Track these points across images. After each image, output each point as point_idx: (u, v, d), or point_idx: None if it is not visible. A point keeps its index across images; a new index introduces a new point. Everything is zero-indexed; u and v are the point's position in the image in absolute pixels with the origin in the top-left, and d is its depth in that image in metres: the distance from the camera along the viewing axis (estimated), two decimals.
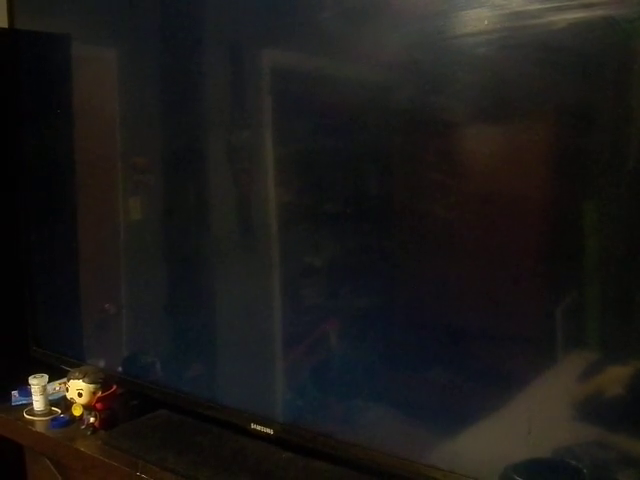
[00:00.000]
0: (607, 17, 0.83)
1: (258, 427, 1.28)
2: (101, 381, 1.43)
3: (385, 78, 1.09)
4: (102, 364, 1.58)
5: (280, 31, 1.20)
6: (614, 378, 0.90)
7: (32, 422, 1.53)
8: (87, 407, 1.44)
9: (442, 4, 0.98)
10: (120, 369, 1.55)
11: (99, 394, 1.42)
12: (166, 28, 1.40)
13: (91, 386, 1.42)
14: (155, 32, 1.42)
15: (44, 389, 1.56)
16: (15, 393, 1.63)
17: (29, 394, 1.57)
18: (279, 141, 1.24)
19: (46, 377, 1.56)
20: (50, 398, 1.57)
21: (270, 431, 1.26)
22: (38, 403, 1.55)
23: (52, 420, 1.52)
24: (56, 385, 1.64)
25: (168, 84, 1.42)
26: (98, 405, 1.43)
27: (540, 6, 0.87)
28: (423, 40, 1.02)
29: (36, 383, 1.55)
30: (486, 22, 0.92)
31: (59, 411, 1.55)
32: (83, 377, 1.42)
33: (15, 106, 1.68)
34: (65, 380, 1.48)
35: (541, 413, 0.96)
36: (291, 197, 1.25)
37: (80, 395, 1.42)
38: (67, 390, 1.45)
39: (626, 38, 0.83)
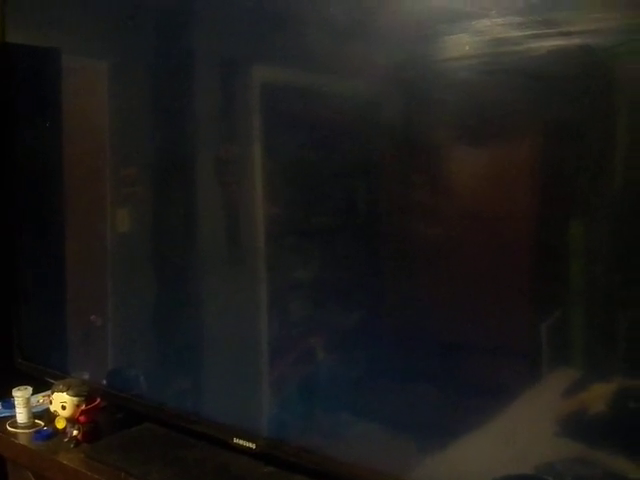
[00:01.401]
0: (584, 45, 0.85)
1: (241, 441, 1.28)
2: (85, 394, 1.43)
3: (372, 96, 1.10)
4: (86, 377, 1.57)
5: (270, 47, 1.22)
6: (598, 395, 0.91)
7: (15, 434, 1.53)
8: (70, 420, 1.43)
9: (426, 28, 1.00)
10: (104, 382, 1.55)
11: (83, 407, 1.42)
12: (156, 42, 1.41)
13: (75, 399, 1.41)
14: (145, 46, 1.44)
15: (28, 401, 1.55)
16: None
17: (12, 406, 1.57)
18: (268, 155, 1.25)
19: (30, 389, 1.56)
20: (34, 410, 1.57)
21: (253, 446, 1.26)
22: (21, 415, 1.55)
23: (35, 433, 1.51)
24: (40, 398, 1.63)
25: (158, 98, 1.43)
26: (82, 418, 1.42)
27: (520, 33, 0.90)
28: (409, 61, 1.04)
29: (20, 395, 1.54)
30: (467, 47, 0.94)
31: (42, 424, 1.54)
32: (67, 390, 1.42)
33: (6, 118, 1.69)
34: (49, 393, 1.47)
35: (526, 428, 0.97)
36: (279, 211, 1.26)
37: (64, 408, 1.42)
38: (51, 403, 1.45)
39: (602, 65, 0.86)
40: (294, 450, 1.22)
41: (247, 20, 1.24)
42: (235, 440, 1.29)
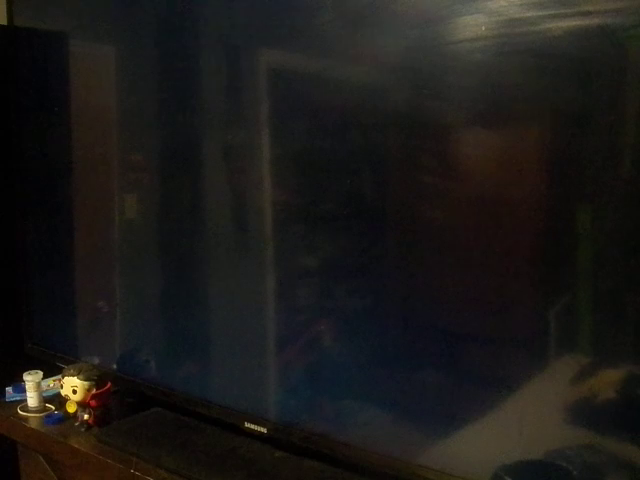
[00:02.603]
0: (603, 25, 0.84)
1: (252, 426, 1.28)
2: (96, 378, 1.43)
3: (382, 81, 1.09)
4: (97, 361, 1.58)
5: (278, 32, 1.21)
6: (607, 381, 0.91)
7: (26, 418, 1.53)
8: (81, 404, 1.44)
9: (440, 10, 0.99)
10: (115, 367, 1.56)
11: (93, 391, 1.43)
12: (164, 27, 1.40)
13: (86, 383, 1.42)
14: (153, 31, 1.43)
15: (38, 386, 1.56)
16: (9, 389, 1.63)
17: (23, 390, 1.57)
18: (275, 141, 1.24)
19: (40, 374, 1.57)
20: (44, 395, 1.58)
21: (264, 430, 1.27)
22: (32, 400, 1.55)
23: (46, 417, 1.52)
24: (50, 382, 1.64)
25: (165, 83, 1.42)
26: (92, 402, 1.43)
27: (537, 13, 0.88)
28: (420, 45, 1.02)
29: (30, 379, 1.55)
30: (483, 28, 0.93)
31: (53, 408, 1.55)
32: (78, 374, 1.42)
33: (13, 102, 1.68)
34: (60, 377, 1.48)
35: (534, 415, 0.97)
36: (287, 197, 1.25)
37: (75, 392, 1.42)
38: (61, 387, 1.45)
39: (621, 46, 0.84)
40: (305, 435, 1.23)
41: (256, 4, 1.23)
42: (246, 424, 1.29)
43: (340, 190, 1.15)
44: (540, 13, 0.88)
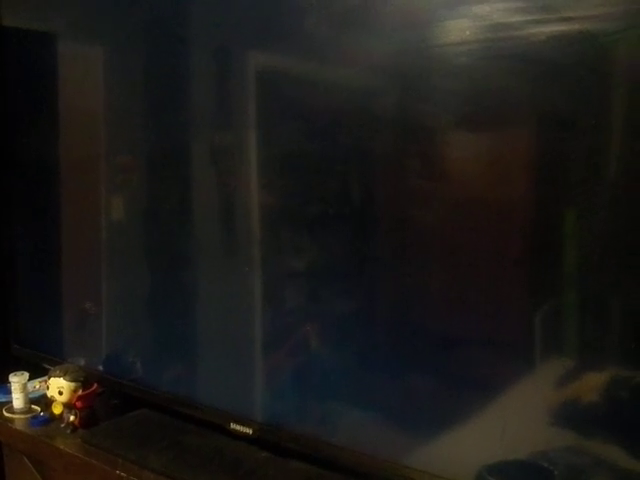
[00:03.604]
0: (584, 31, 0.85)
1: (238, 427, 1.29)
2: (82, 379, 1.43)
3: (369, 83, 1.10)
4: (83, 363, 1.58)
5: (267, 34, 1.22)
6: (591, 385, 0.92)
7: (11, 420, 1.53)
8: (67, 405, 1.43)
9: (426, 14, 1.00)
10: (101, 368, 1.56)
11: (80, 392, 1.42)
12: (153, 28, 1.40)
13: (72, 384, 1.42)
14: (142, 32, 1.43)
15: (24, 387, 1.55)
16: None
17: (9, 392, 1.57)
18: (263, 143, 1.25)
19: (26, 375, 1.56)
20: (30, 396, 1.57)
21: (249, 431, 1.27)
22: (18, 401, 1.55)
23: (32, 418, 1.51)
24: (36, 383, 1.63)
25: (154, 84, 1.42)
26: (78, 403, 1.43)
27: (520, 19, 0.90)
28: (407, 48, 1.03)
29: (16, 381, 1.54)
30: (468, 32, 0.94)
31: (39, 409, 1.55)
32: (64, 375, 1.42)
33: (0, 102, 1.68)
34: (46, 378, 1.47)
35: (518, 418, 0.98)
36: (274, 199, 1.26)
37: (61, 393, 1.42)
38: (48, 388, 1.45)
39: (602, 51, 0.86)
40: (290, 436, 1.23)
41: (245, 6, 1.23)
42: (232, 425, 1.29)
43: (328, 192, 1.16)
44: (523, 18, 0.89)
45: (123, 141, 1.50)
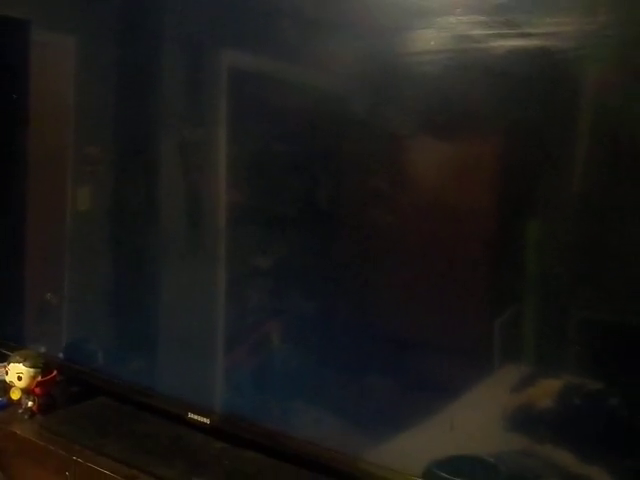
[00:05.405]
0: (542, 47, 0.89)
1: (195, 416, 1.30)
2: (41, 366, 1.43)
3: (338, 87, 1.13)
4: (43, 350, 1.57)
5: (239, 33, 1.23)
6: (546, 391, 0.94)
7: None
8: (26, 391, 1.43)
9: (393, 22, 1.03)
10: (61, 355, 1.56)
11: (39, 379, 1.42)
12: (126, 20, 1.41)
13: (31, 370, 1.41)
14: (114, 23, 1.44)
15: None
16: None
17: None
18: (232, 141, 1.26)
19: None
20: None
21: (207, 421, 1.29)
22: None
23: None
24: None
25: (125, 76, 1.43)
26: (37, 390, 1.43)
27: (483, 32, 0.93)
28: (375, 54, 1.06)
29: None
30: (433, 42, 0.98)
31: None
32: (24, 361, 1.41)
33: None
34: (5, 364, 1.47)
35: (472, 419, 1.01)
36: (241, 197, 1.27)
37: (20, 379, 1.42)
38: (6, 373, 1.44)
39: (559, 66, 0.90)
40: (247, 427, 1.25)
41: (218, 3, 1.25)
42: (190, 415, 1.31)
43: (294, 192, 1.18)
44: (485, 32, 0.93)
45: (91, 132, 1.50)
